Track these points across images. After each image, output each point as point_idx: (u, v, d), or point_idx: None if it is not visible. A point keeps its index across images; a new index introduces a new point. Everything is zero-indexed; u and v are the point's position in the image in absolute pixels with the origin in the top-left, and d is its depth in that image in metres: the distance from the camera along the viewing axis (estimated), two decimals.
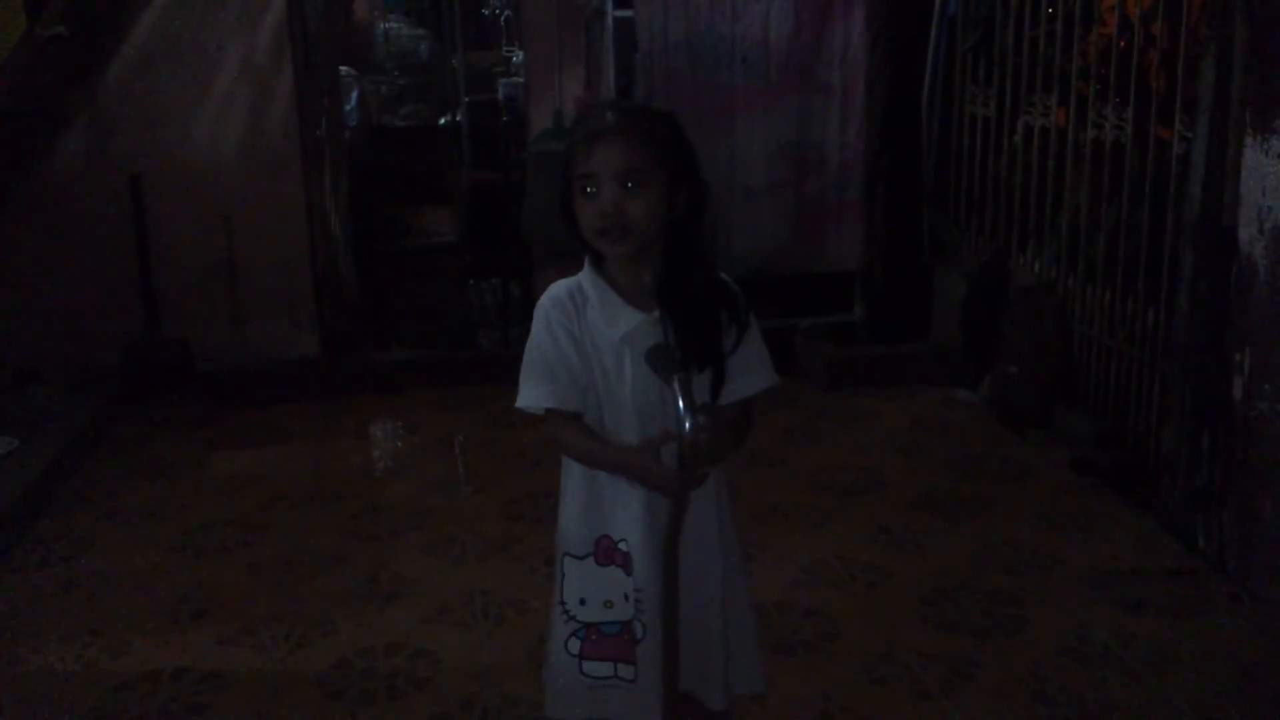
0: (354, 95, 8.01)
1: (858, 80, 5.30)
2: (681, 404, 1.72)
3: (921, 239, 5.49)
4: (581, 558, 1.94)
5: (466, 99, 7.62)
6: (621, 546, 1.91)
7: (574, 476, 1.95)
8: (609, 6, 5.32)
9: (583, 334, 1.87)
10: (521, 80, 7.50)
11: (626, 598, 1.91)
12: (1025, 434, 4.50)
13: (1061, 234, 4.54)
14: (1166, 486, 3.65)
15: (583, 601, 1.95)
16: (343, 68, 6.64)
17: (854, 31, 5.25)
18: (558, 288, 1.91)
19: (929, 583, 3.38)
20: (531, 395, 1.89)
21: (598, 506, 1.93)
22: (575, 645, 1.96)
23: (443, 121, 8.22)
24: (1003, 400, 4.67)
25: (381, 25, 9.21)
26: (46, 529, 3.92)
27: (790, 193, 5.41)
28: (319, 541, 3.79)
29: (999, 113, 4.94)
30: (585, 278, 1.91)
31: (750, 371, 1.93)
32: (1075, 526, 3.74)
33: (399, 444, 4.87)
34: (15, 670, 3.05)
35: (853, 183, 5.42)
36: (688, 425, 1.72)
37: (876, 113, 5.38)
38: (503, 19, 8.71)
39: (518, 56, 8.12)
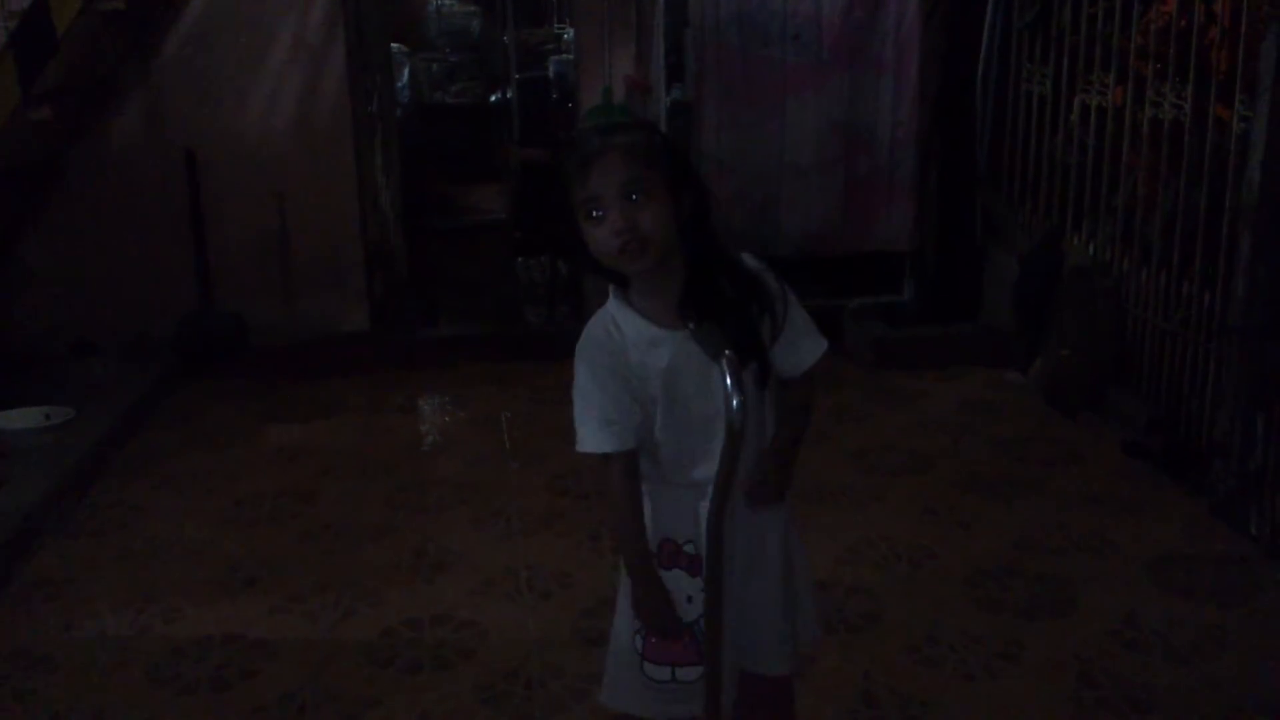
0: (405, 72, 8.03)
1: (911, 57, 5.24)
2: (730, 382, 1.72)
3: (974, 219, 5.43)
4: None
5: (517, 76, 7.61)
6: (687, 549, 1.91)
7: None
8: None
9: (628, 370, 1.85)
10: (572, 58, 7.49)
11: (690, 599, 1.91)
12: (1076, 416, 4.45)
13: (1117, 215, 4.47)
14: (1219, 471, 3.60)
15: None
16: (394, 45, 6.65)
17: (908, 7, 5.19)
18: (594, 328, 1.89)
19: (975, 564, 3.36)
20: (592, 440, 1.88)
21: (657, 511, 1.92)
22: (639, 643, 1.96)
23: (493, 99, 8.23)
24: (1054, 382, 4.62)
25: (433, 2, 9.21)
26: (102, 497, 4.00)
27: (840, 171, 5.36)
28: (367, 513, 3.83)
29: (1055, 91, 4.87)
30: (614, 308, 1.88)
31: (802, 344, 1.92)
32: (1125, 510, 3.70)
33: (446, 418, 4.90)
34: (71, 634, 3.12)
35: (904, 162, 5.37)
36: (735, 403, 1.72)
37: (930, 91, 5.32)
38: None
39: (568, 34, 8.11)
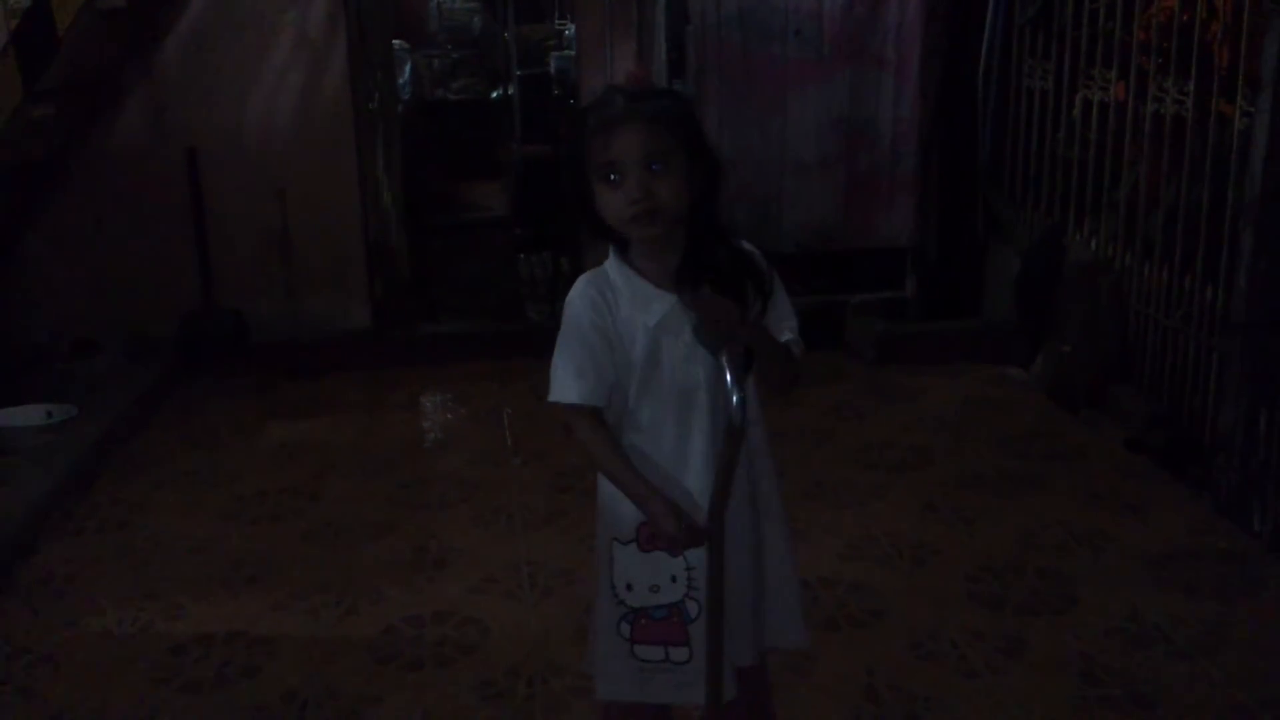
0: (407, 69, 8.04)
1: (913, 53, 5.23)
2: (730, 378, 1.72)
3: (975, 215, 5.43)
4: (625, 543, 1.94)
5: (518, 72, 7.62)
6: None
7: None
8: None
9: (615, 328, 1.87)
10: (573, 54, 7.49)
11: (674, 579, 1.92)
12: (1078, 413, 4.45)
13: (1119, 210, 4.47)
14: (1221, 467, 3.60)
15: (629, 586, 1.95)
16: (396, 41, 6.66)
17: (910, 3, 5.18)
18: (585, 283, 1.90)
19: (977, 561, 3.36)
20: (561, 390, 1.89)
21: None
22: (626, 629, 1.96)
23: (494, 95, 8.24)
24: (1056, 378, 4.62)
25: None
26: (104, 495, 4.00)
27: (842, 167, 5.35)
28: (369, 510, 3.83)
29: (1057, 86, 4.87)
30: (612, 267, 1.90)
31: (785, 324, 1.93)
32: (1128, 507, 3.69)
33: (448, 415, 4.90)
34: (73, 631, 3.12)
35: (906, 157, 5.36)
36: (734, 399, 1.71)
37: (932, 86, 5.31)
38: None
39: (569, 30, 8.11)
